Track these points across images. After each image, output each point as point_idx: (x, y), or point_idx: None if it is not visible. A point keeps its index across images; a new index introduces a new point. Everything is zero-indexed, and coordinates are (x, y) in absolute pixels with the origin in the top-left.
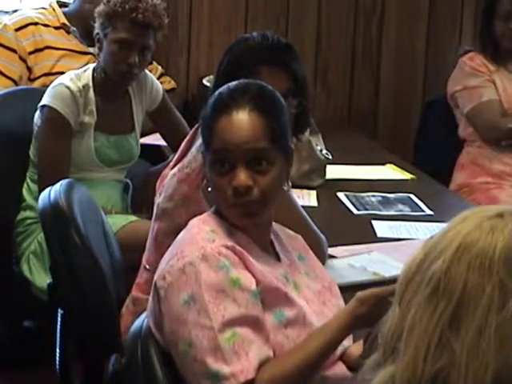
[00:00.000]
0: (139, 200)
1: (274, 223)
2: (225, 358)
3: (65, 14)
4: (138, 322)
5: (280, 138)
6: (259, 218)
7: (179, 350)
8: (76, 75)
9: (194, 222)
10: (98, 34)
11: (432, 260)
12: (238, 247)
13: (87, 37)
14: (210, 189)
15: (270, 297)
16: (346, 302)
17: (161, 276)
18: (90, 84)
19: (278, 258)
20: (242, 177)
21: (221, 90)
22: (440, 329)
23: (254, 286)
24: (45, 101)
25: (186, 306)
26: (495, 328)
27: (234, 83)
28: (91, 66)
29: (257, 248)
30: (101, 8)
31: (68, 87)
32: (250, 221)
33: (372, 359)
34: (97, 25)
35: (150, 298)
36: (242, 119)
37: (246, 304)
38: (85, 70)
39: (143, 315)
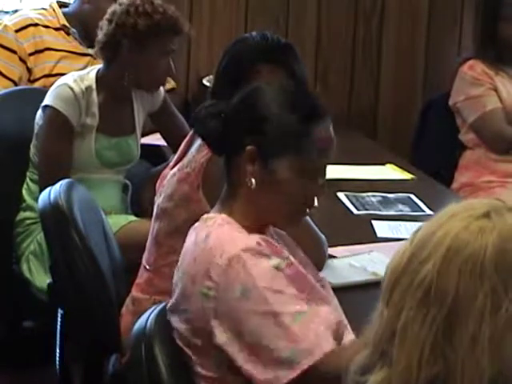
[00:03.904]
0: (142, 203)
1: None
2: (298, 338)
3: (65, 14)
4: (140, 322)
5: None
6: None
7: (246, 343)
8: (79, 76)
9: (215, 220)
10: (118, 40)
11: (421, 262)
12: (269, 239)
13: (87, 38)
14: (254, 186)
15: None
16: (345, 302)
17: (205, 278)
18: (94, 86)
19: None
20: (323, 191)
21: (287, 88)
22: (432, 337)
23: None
24: (47, 101)
25: (242, 298)
26: (489, 336)
27: (286, 83)
28: (95, 67)
29: None
30: (137, 20)
31: (71, 88)
32: (295, 225)
33: (359, 359)
34: (117, 31)
35: (187, 303)
36: (332, 132)
37: (292, 285)
38: (88, 72)
39: (145, 315)
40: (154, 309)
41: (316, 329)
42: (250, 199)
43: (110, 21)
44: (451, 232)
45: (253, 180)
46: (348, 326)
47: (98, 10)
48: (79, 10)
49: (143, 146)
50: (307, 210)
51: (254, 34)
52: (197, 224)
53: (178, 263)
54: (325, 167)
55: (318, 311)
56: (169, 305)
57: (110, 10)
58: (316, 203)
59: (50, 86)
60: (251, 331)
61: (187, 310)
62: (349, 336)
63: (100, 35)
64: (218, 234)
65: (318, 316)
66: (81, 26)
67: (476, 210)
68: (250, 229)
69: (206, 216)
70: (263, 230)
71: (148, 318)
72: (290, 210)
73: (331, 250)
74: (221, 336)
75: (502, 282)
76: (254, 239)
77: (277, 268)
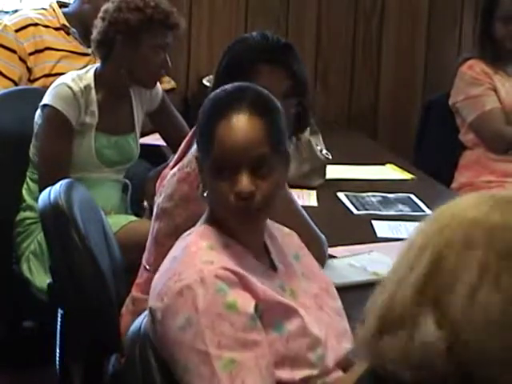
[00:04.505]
0: (143, 203)
1: (269, 221)
2: None
3: (65, 14)
4: (136, 324)
5: (279, 143)
6: (259, 223)
7: (177, 372)
8: (78, 76)
9: (192, 237)
10: (112, 37)
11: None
12: (237, 268)
13: (87, 38)
14: (205, 194)
15: (273, 312)
16: (345, 302)
17: (158, 298)
18: (92, 85)
19: (274, 266)
20: (245, 182)
21: (217, 94)
22: (417, 281)
23: (251, 309)
24: (46, 100)
25: (182, 329)
26: (433, 295)
27: (229, 86)
28: (93, 66)
29: (252, 259)
30: (129, 15)
31: (70, 87)
32: (249, 226)
33: None
34: (110, 28)
35: (148, 316)
36: (243, 124)
37: (243, 328)
38: (87, 71)
39: (141, 316)
40: None
41: (244, 381)
42: (210, 206)
43: (103, 19)
44: (463, 205)
45: (201, 186)
46: (348, 333)
47: (98, 9)
48: (79, 10)
49: (143, 145)
50: (241, 205)
51: (254, 33)
52: (181, 237)
53: None
54: (241, 162)
55: (258, 362)
56: None
57: (102, 8)
58: (243, 191)
59: (50, 85)
60: (181, 363)
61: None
62: (346, 344)
63: (94, 33)
64: (183, 257)
65: (251, 369)
66: (81, 26)
67: (500, 195)
68: (230, 233)
69: (189, 231)
70: (246, 233)
71: (143, 319)
72: (230, 211)
73: (331, 250)
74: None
75: (485, 258)
76: (214, 270)
77: (230, 307)
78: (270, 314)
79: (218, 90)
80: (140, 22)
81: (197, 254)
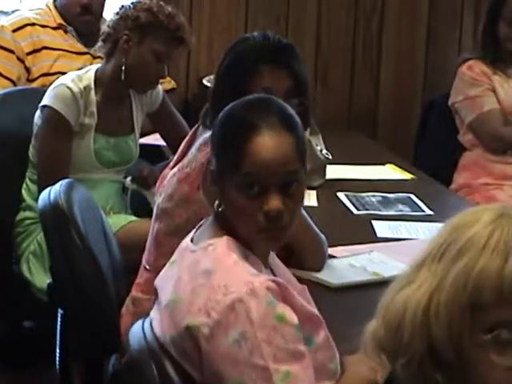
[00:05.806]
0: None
1: None
2: None
3: (58, 9)
4: (137, 329)
5: (304, 156)
6: (282, 241)
7: None
8: (78, 76)
9: (220, 250)
10: (119, 32)
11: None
12: (280, 280)
13: (85, 36)
14: (221, 208)
15: (306, 324)
16: (346, 302)
17: (201, 313)
18: (92, 85)
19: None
20: (276, 201)
21: (239, 106)
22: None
23: (296, 320)
24: (45, 101)
25: (236, 344)
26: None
27: (251, 98)
28: (93, 67)
29: (266, 271)
30: (140, 14)
31: (69, 88)
32: (275, 245)
33: None
34: (120, 22)
35: (181, 333)
36: (276, 140)
37: (293, 340)
38: (87, 71)
39: (139, 323)
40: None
41: None
42: (231, 221)
43: (116, 13)
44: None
45: (216, 202)
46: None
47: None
48: (65, 2)
49: (143, 145)
50: (269, 224)
51: (255, 34)
52: (194, 248)
53: (174, 281)
54: (273, 179)
55: (307, 372)
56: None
57: (120, 4)
58: (272, 210)
59: (49, 84)
60: (233, 379)
61: (173, 335)
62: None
63: (104, 26)
64: (222, 269)
65: (302, 379)
66: (73, 17)
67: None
68: (248, 245)
69: (208, 242)
70: (263, 247)
71: (142, 323)
72: (257, 229)
73: (331, 250)
74: (206, 372)
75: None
76: (263, 283)
77: (280, 319)
78: (303, 327)
79: (237, 103)
80: (148, 23)
81: (237, 266)
